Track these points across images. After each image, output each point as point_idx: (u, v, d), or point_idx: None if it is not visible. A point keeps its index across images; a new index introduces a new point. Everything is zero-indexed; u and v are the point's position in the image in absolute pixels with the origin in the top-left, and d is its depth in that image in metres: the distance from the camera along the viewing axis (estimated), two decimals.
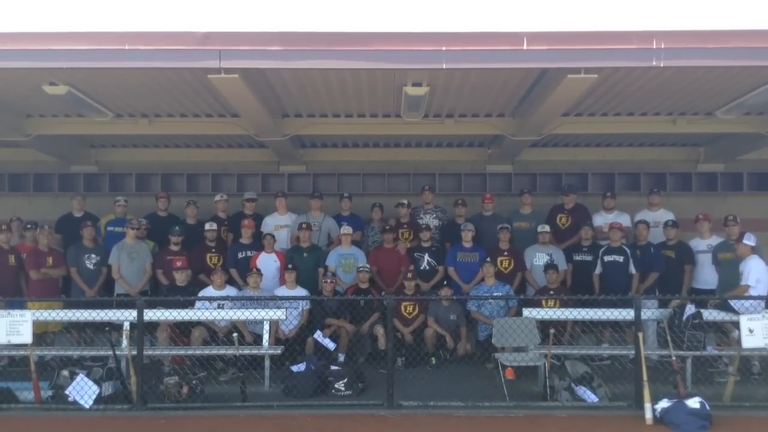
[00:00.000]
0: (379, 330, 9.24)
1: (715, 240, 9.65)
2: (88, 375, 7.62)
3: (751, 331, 7.48)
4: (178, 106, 9.51)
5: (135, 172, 12.14)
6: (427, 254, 10.26)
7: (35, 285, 9.49)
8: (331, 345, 9.02)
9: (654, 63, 7.00)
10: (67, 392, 7.44)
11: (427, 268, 10.21)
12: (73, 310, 8.52)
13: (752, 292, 8.09)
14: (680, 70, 7.57)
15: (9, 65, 7.18)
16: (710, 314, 8.20)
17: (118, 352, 7.85)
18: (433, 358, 9.32)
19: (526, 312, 8.58)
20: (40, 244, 9.70)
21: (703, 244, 9.75)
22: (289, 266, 9.57)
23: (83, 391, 7.40)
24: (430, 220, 10.80)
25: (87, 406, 7.33)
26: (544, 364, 7.90)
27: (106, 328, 8.31)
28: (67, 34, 7.05)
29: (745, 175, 11.91)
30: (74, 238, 10.06)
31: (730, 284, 8.59)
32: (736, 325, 7.82)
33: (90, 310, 8.41)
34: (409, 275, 9.65)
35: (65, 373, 7.79)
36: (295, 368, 8.13)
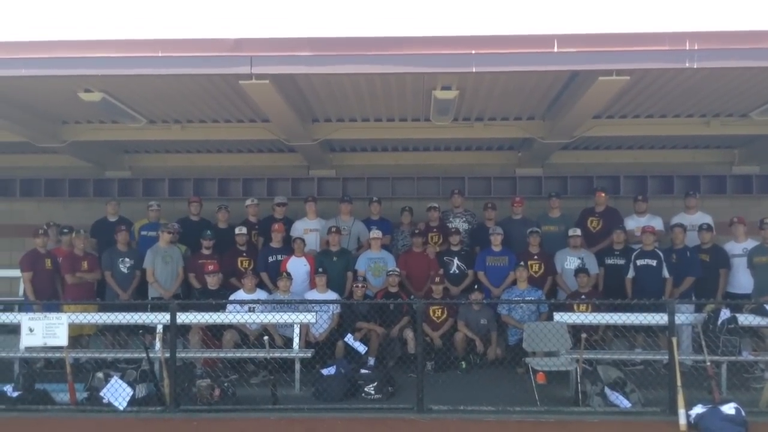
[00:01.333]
0: (409, 334, 9.24)
1: (750, 243, 9.48)
2: (122, 377, 7.73)
3: None
4: (209, 112, 9.63)
5: (168, 177, 12.31)
6: (456, 258, 10.23)
7: (71, 288, 9.66)
8: (361, 348, 9.04)
9: (687, 64, 6.93)
10: (101, 394, 7.54)
11: (457, 272, 10.18)
12: (108, 314, 8.63)
13: None
14: (714, 72, 7.47)
15: (45, 73, 7.33)
16: (746, 319, 8.07)
17: (151, 355, 7.93)
18: (463, 363, 9.28)
19: (557, 316, 8.52)
20: (75, 248, 9.86)
21: (738, 247, 9.59)
22: (320, 270, 9.62)
23: (117, 393, 7.49)
24: (459, 223, 10.78)
25: (121, 408, 7.42)
26: (576, 368, 7.83)
27: (140, 331, 8.41)
28: (101, 42, 7.20)
29: None
30: (109, 243, 10.23)
31: (766, 288, 8.44)
32: None
33: (124, 313, 8.52)
34: (437, 279, 9.63)
35: (100, 375, 7.87)
36: (325, 371, 8.16)
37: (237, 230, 10.29)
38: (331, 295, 9.55)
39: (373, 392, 7.92)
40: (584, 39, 7.01)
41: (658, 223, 10.19)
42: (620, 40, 6.98)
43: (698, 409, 6.82)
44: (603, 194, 10.71)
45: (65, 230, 10.23)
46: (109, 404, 7.46)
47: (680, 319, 8.07)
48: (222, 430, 7.06)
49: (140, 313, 8.49)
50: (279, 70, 7.34)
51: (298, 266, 9.90)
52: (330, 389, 7.87)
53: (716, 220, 10.14)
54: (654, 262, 9.49)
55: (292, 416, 7.32)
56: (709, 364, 7.42)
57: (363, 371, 8.31)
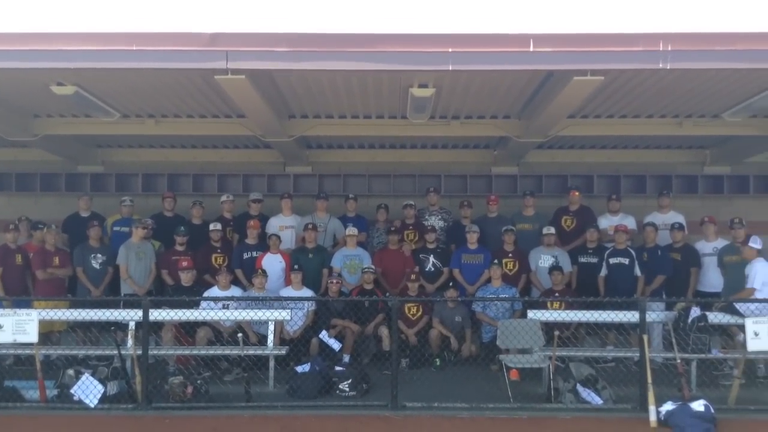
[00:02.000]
0: (384, 331, 9.24)
1: (720, 243, 9.63)
2: (93, 374, 7.63)
3: (756, 334, 7.44)
4: (184, 107, 9.55)
5: (141, 173, 12.18)
6: (432, 256, 10.26)
7: (41, 284, 9.53)
8: (336, 345, 9.03)
9: (660, 65, 7.00)
10: (72, 391, 7.45)
11: (432, 269, 10.21)
12: (79, 310, 8.53)
13: (758, 295, 8.07)
14: (687, 73, 7.55)
15: (17, 65, 7.21)
16: (715, 317, 8.17)
17: (123, 352, 7.87)
18: (437, 360, 9.32)
19: (531, 314, 8.59)
20: (46, 243, 9.72)
21: (708, 246, 9.72)
22: (296, 267, 9.58)
23: (88, 390, 7.41)
24: (435, 221, 10.80)
25: (92, 406, 7.34)
26: (549, 365, 7.89)
27: (112, 328, 8.33)
28: (75, 35, 7.10)
29: (751, 177, 11.88)
30: (81, 238, 10.11)
31: (736, 287, 8.58)
32: (742, 328, 7.78)
33: (95, 310, 8.46)
34: (413, 277, 9.65)
35: (70, 372, 7.79)
36: (299, 369, 8.14)
37: (212, 226, 10.21)
38: (307, 292, 9.53)
39: (347, 389, 7.92)
40: (560, 39, 7.05)
41: (630, 222, 10.31)
42: (595, 41, 7.04)
43: (668, 406, 6.92)
44: (577, 193, 10.81)
45: (39, 225, 10.07)
46: (80, 402, 7.37)
47: (651, 317, 8.15)
48: (194, 428, 7.00)
49: (112, 310, 8.44)
50: (255, 66, 7.29)
51: (273, 263, 9.85)
52: (304, 387, 7.85)
53: (687, 220, 10.27)
54: (626, 261, 9.60)
55: (265, 414, 7.28)
56: (679, 361, 7.52)
57: (338, 368, 8.29)
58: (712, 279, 9.54)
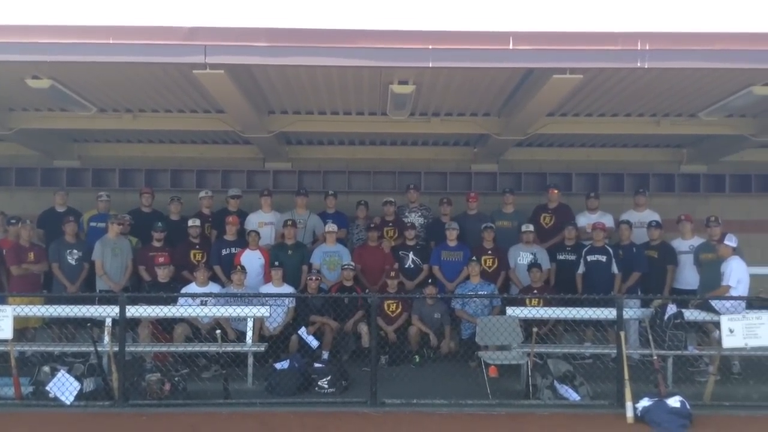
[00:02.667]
0: (363, 328, 9.24)
1: (696, 241, 9.73)
2: (69, 371, 7.57)
3: (731, 331, 7.56)
4: (162, 102, 9.45)
5: (118, 168, 12.06)
6: (411, 253, 10.27)
7: (16, 280, 9.38)
8: (314, 343, 9.00)
9: (638, 64, 7.04)
10: (47, 388, 7.39)
11: (412, 266, 10.23)
12: (55, 306, 8.43)
13: (733, 293, 8.19)
14: (664, 72, 7.61)
15: None
16: (691, 314, 8.29)
17: (99, 349, 7.80)
18: (416, 356, 9.33)
19: (510, 311, 8.63)
20: (21, 239, 9.59)
21: (685, 244, 9.83)
22: (276, 263, 9.54)
23: (64, 387, 7.35)
24: (415, 218, 10.82)
25: (68, 403, 7.28)
26: (527, 362, 7.94)
27: (88, 324, 8.26)
28: (50, 27, 6.99)
29: (727, 176, 12.03)
30: (56, 234, 9.97)
31: (711, 285, 8.68)
32: (717, 325, 7.90)
33: (71, 306, 8.33)
34: (392, 274, 9.65)
35: (46, 369, 7.74)
36: (278, 366, 8.12)
37: (190, 222, 10.14)
38: (287, 289, 9.49)
39: (326, 386, 7.93)
40: (539, 37, 7.07)
41: (608, 220, 10.39)
42: (574, 39, 7.07)
43: (645, 402, 6.99)
44: (556, 191, 10.88)
45: (12, 221, 9.94)
46: (56, 399, 7.32)
47: (628, 314, 8.23)
48: (172, 425, 6.94)
49: (88, 306, 8.35)
50: (234, 61, 7.23)
51: (252, 259, 9.80)
52: (283, 383, 7.83)
53: (664, 218, 10.37)
54: (604, 258, 9.68)
55: (244, 411, 7.27)
56: (655, 358, 7.60)
57: (317, 365, 8.30)
58: (689, 277, 9.64)
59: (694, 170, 12.17)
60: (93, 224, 10.40)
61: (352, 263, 9.86)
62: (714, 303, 8.18)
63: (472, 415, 7.18)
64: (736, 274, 8.28)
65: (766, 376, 8.12)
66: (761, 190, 12.01)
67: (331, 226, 10.22)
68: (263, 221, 10.48)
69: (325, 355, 9.11)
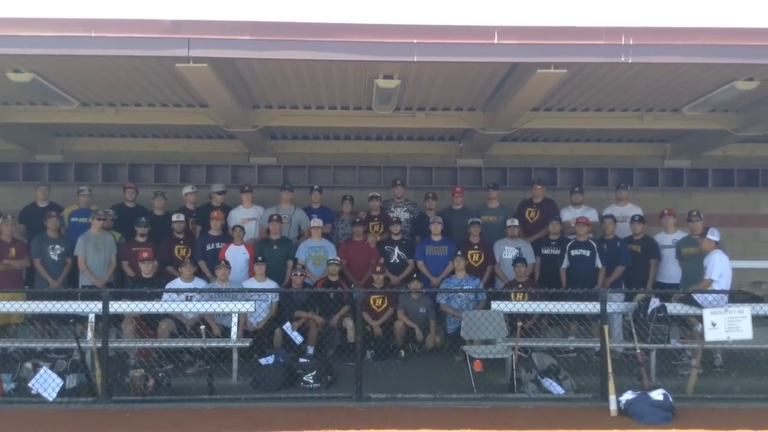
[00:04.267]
0: (349, 323, 9.23)
1: (680, 235, 9.79)
2: (51, 367, 7.51)
3: (713, 324, 7.60)
4: (145, 95, 9.38)
5: (101, 162, 11.93)
6: (397, 247, 10.27)
7: None
8: (298, 338, 8.98)
9: (622, 59, 7.06)
10: (30, 385, 7.33)
11: (397, 261, 10.23)
12: (37, 302, 8.35)
13: (715, 287, 8.24)
14: (648, 67, 7.64)
15: None
16: (674, 308, 8.34)
17: (82, 345, 7.74)
18: (402, 351, 9.34)
19: (495, 305, 8.65)
20: (2, 234, 9.49)
21: (668, 238, 9.89)
22: (259, 258, 9.51)
23: (47, 383, 7.28)
24: (400, 213, 10.81)
25: (50, 399, 7.22)
26: (512, 356, 7.97)
27: (71, 320, 8.18)
28: (32, 20, 6.90)
29: (710, 171, 12.12)
30: (38, 229, 9.89)
31: (693, 278, 8.74)
32: (700, 318, 7.94)
33: (54, 302, 8.29)
34: (378, 269, 9.65)
35: (28, 365, 7.66)
36: (263, 361, 8.10)
37: (174, 217, 10.09)
38: (271, 284, 9.46)
39: (311, 381, 7.91)
40: (524, 31, 7.08)
41: (592, 215, 10.43)
42: (559, 34, 7.08)
43: (628, 395, 7.03)
44: (540, 186, 10.91)
45: None
46: (38, 395, 7.26)
47: (612, 307, 8.29)
48: (156, 421, 6.90)
49: (71, 302, 8.28)
50: (217, 54, 7.17)
51: (237, 255, 9.77)
52: (268, 379, 7.81)
53: (648, 212, 10.43)
54: (588, 253, 9.72)
55: (229, 406, 7.24)
56: (639, 351, 7.65)
57: (302, 360, 8.28)
58: (672, 270, 9.71)
59: (677, 165, 12.24)
60: (74, 219, 10.31)
61: (338, 258, 9.85)
62: (697, 297, 8.23)
63: (457, 409, 7.19)
64: (719, 268, 8.33)
65: (748, 369, 8.19)
66: (744, 184, 12.13)
67: (317, 221, 10.19)
68: (246, 217, 10.44)
69: (311, 350, 9.10)
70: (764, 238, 12.29)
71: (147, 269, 9.27)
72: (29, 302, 8.53)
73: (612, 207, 10.60)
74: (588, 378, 7.78)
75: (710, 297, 8.08)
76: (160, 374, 7.66)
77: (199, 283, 9.32)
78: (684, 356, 8.87)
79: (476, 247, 10.13)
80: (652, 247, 9.89)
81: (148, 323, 8.79)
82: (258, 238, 10.37)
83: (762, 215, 12.32)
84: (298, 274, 9.48)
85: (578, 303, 8.32)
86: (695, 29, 7.11)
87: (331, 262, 9.69)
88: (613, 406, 7.00)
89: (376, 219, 10.69)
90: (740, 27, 7.16)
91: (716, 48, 7.08)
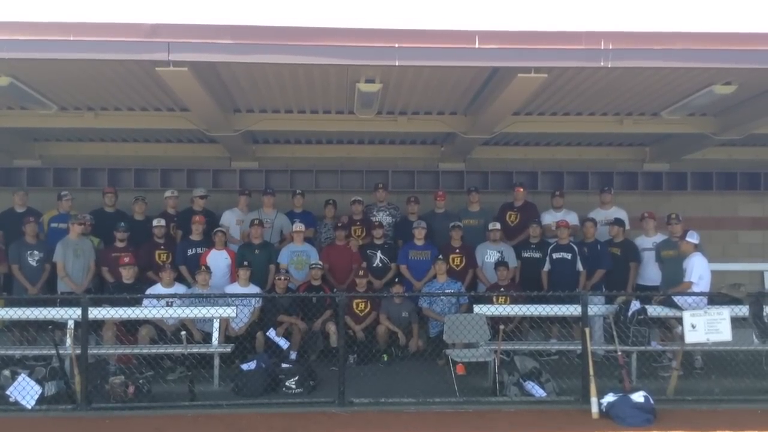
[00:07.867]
0: (331, 327, 9.21)
1: (660, 238, 9.87)
2: (30, 375, 7.42)
3: (693, 326, 7.67)
4: (125, 100, 9.30)
5: (80, 167, 11.81)
6: (379, 251, 10.27)
7: None
8: (283, 344, 8.95)
9: (602, 63, 7.11)
10: (8, 392, 7.24)
11: (380, 265, 10.22)
12: (15, 309, 8.26)
13: (695, 289, 8.30)
14: (627, 71, 7.71)
15: None
16: (654, 310, 8.40)
17: (61, 351, 7.66)
18: (384, 355, 9.33)
19: (477, 308, 8.67)
20: None
21: (648, 241, 9.97)
22: (245, 263, 9.46)
23: (25, 391, 7.20)
24: (383, 217, 10.81)
25: (29, 407, 7.14)
26: (494, 359, 7.99)
27: (50, 327, 8.08)
28: (9, 24, 6.83)
29: (689, 174, 12.24)
30: (16, 235, 9.76)
31: (673, 281, 8.79)
32: (680, 320, 8.00)
33: (32, 309, 8.20)
34: (361, 272, 9.64)
35: (6, 372, 7.59)
36: (245, 366, 8.05)
37: (155, 222, 10.01)
38: (253, 289, 9.42)
39: (294, 386, 7.87)
40: (504, 36, 7.10)
41: (573, 218, 10.49)
42: (539, 38, 7.12)
43: (609, 398, 7.07)
44: (521, 189, 10.96)
45: None
46: (17, 403, 7.18)
47: (593, 310, 8.33)
48: (136, 429, 6.84)
49: (50, 308, 8.18)
50: (198, 58, 7.13)
51: (218, 259, 9.71)
52: (250, 384, 7.76)
53: (628, 215, 10.52)
54: (569, 256, 9.78)
55: (210, 413, 7.19)
56: (620, 353, 7.69)
57: (284, 365, 8.25)
58: (652, 273, 9.78)
59: (656, 168, 12.35)
60: (53, 225, 10.19)
61: (320, 262, 9.82)
62: (676, 299, 8.30)
63: (440, 413, 7.19)
64: (698, 271, 8.39)
65: (727, 370, 8.24)
66: (722, 187, 12.26)
67: (299, 226, 10.17)
68: (241, 219, 10.56)
69: (293, 355, 9.06)
70: (743, 241, 12.44)
71: (128, 274, 9.19)
72: (7, 309, 8.44)
73: (596, 211, 10.68)
74: (570, 380, 7.81)
75: (690, 299, 8.16)
76: (140, 381, 7.58)
77: (179, 288, 9.25)
78: (664, 358, 8.93)
79: (457, 250, 10.15)
80: (632, 250, 9.96)
81: (128, 329, 8.70)
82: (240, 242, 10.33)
83: (740, 218, 12.48)
84: (282, 278, 9.44)
85: (560, 306, 8.36)
86: (674, 34, 7.18)
87: (314, 266, 9.66)
88: (594, 409, 7.04)
89: (358, 223, 10.68)
90: (718, 32, 7.24)
91: (695, 52, 7.16)
